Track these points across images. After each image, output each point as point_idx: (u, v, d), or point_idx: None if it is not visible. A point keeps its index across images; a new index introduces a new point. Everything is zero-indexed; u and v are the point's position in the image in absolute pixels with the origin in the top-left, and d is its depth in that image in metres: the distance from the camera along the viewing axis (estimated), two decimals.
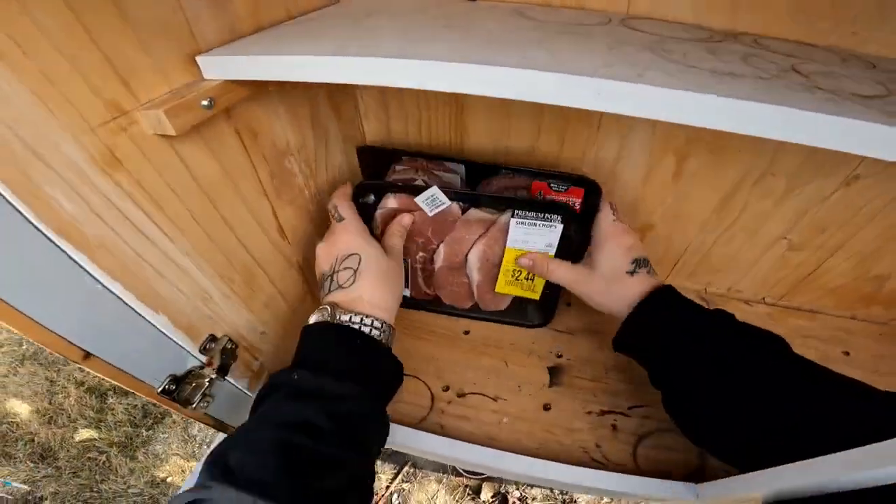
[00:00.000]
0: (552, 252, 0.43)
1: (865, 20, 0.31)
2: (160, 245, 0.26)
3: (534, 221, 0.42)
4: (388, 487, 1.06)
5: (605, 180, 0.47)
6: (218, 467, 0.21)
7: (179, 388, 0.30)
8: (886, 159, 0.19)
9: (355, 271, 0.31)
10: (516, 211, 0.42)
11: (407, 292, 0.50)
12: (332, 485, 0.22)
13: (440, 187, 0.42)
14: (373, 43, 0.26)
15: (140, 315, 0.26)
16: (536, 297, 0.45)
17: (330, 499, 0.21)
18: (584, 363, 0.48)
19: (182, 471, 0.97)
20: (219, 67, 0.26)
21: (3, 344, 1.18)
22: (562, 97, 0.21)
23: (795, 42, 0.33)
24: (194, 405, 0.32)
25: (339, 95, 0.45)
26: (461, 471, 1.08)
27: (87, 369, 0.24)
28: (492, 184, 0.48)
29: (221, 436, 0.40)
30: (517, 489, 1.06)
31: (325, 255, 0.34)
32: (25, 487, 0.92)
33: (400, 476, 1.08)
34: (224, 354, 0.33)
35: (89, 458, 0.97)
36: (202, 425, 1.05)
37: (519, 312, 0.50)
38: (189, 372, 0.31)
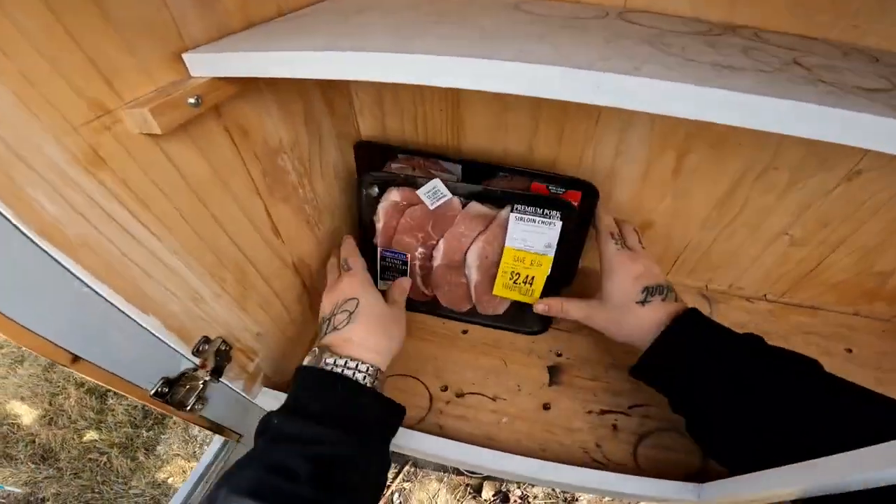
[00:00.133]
0: (551, 253, 0.42)
1: (866, 13, 0.30)
2: (147, 244, 0.26)
3: (533, 217, 0.42)
4: (388, 487, 1.06)
5: (604, 178, 0.46)
6: (209, 501, 0.23)
7: (173, 391, 0.30)
8: (891, 153, 0.18)
9: (351, 314, 0.32)
10: (516, 206, 0.42)
11: None
12: None
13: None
14: (364, 38, 0.25)
15: (128, 316, 0.26)
16: (534, 301, 0.45)
17: None
18: (583, 362, 0.47)
19: (183, 471, 0.97)
20: (206, 65, 0.26)
21: (2, 345, 1.18)
22: (559, 91, 0.21)
23: (796, 35, 0.32)
24: (189, 408, 0.31)
25: (333, 92, 0.44)
26: (462, 470, 1.08)
27: (77, 372, 0.24)
28: (490, 185, 0.47)
29: (217, 441, 0.40)
30: (518, 488, 1.06)
31: (328, 300, 0.35)
32: (19, 490, 0.92)
33: (401, 475, 1.08)
34: (218, 356, 0.33)
35: (90, 459, 0.98)
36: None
37: (517, 317, 0.49)
38: (182, 374, 0.31)
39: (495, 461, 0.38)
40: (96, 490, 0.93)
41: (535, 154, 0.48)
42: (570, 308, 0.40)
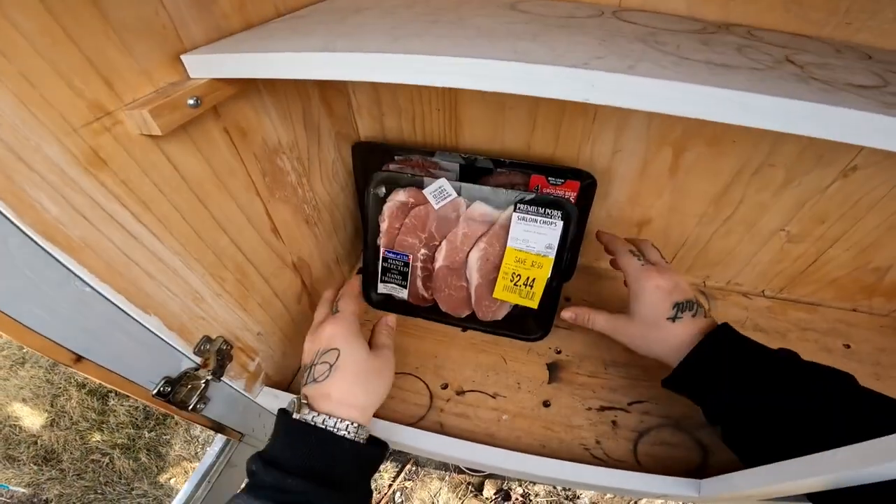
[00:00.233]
0: (552, 255, 0.43)
1: (858, 11, 0.31)
2: (148, 245, 0.26)
3: (535, 217, 0.42)
4: (390, 486, 1.07)
5: (602, 174, 0.47)
6: None
7: (175, 391, 0.30)
8: (884, 148, 0.19)
9: (331, 366, 0.31)
10: (518, 205, 0.42)
11: (405, 295, 0.50)
12: None
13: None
14: (362, 39, 0.25)
15: (130, 316, 0.26)
16: (534, 305, 0.45)
17: None
18: (582, 359, 0.48)
19: (185, 472, 0.98)
20: (204, 66, 0.26)
21: (2, 348, 1.18)
22: (554, 90, 0.21)
23: (789, 33, 0.33)
24: (190, 407, 0.31)
25: (332, 92, 0.44)
26: (463, 468, 1.08)
27: (79, 372, 0.24)
28: (489, 182, 0.48)
29: (219, 440, 0.40)
30: (520, 486, 1.06)
31: (308, 347, 0.34)
32: (24, 490, 0.92)
33: (402, 474, 1.08)
34: (219, 355, 0.33)
35: (93, 460, 0.98)
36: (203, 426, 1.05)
37: (517, 324, 0.49)
38: (184, 374, 0.31)
39: (496, 459, 0.38)
40: (99, 491, 0.94)
41: (532, 152, 0.48)
42: (596, 319, 0.39)
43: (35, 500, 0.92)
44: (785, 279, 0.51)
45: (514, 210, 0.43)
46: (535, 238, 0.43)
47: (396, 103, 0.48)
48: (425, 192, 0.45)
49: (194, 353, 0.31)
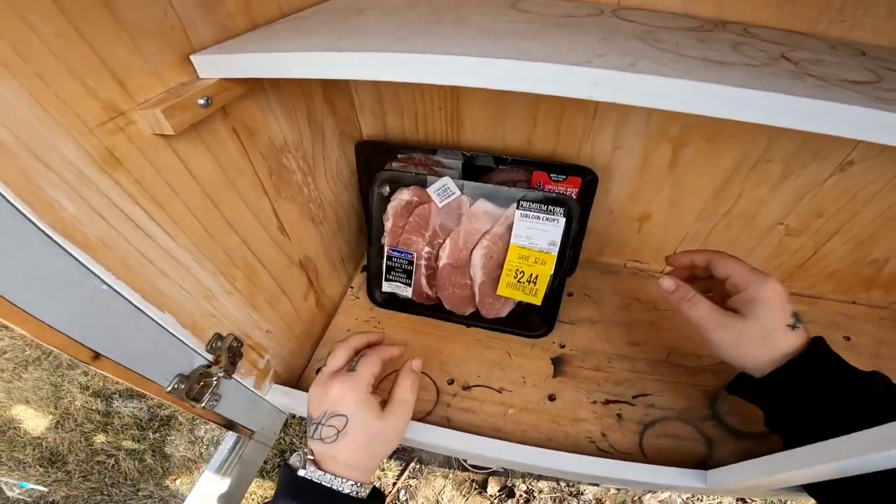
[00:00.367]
0: (555, 251, 0.43)
1: (852, 8, 0.31)
2: (162, 243, 0.27)
3: (538, 214, 0.42)
4: (394, 484, 1.07)
5: (602, 170, 0.47)
6: None
7: (188, 388, 0.31)
8: (878, 142, 0.19)
9: (339, 432, 0.31)
10: (521, 202, 0.43)
11: (409, 293, 0.51)
12: None
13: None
14: (366, 39, 0.26)
15: (145, 314, 0.26)
16: (538, 301, 0.45)
17: None
18: (586, 353, 0.48)
19: (190, 472, 0.98)
20: (214, 66, 0.26)
21: (5, 350, 1.18)
22: (557, 88, 0.22)
23: (783, 30, 0.33)
24: (203, 404, 0.32)
25: (334, 92, 0.45)
26: (467, 465, 1.08)
27: (97, 370, 0.24)
28: (491, 179, 0.48)
29: (230, 437, 0.40)
30: (524, 482, 1.06)
31: (317, 400, 0.33)
32: (43, 489, 0.93)
33: (406, 473, 1.09)
34: (230, 353, 0.34)
35: (98, 461, 0.98)
36: (208, 427, 1.06)
37: (520, 320, 0.49)
38: (197, 371, 0.31)
39: (503, 452, 0.38)
40: (105, 492, 0.94)
41: (533, 148, 0.48)
42: (700, 306, 0.35)
43: (42, 502, 0.93)
44: (784, 272, 0.52)
45: (518, 207, 0.43)
46: (539, 235, 0.44)
47: (398, 102, 0.48)
48: (429, 190, 0.46)
49: (206, 350, 0.32)
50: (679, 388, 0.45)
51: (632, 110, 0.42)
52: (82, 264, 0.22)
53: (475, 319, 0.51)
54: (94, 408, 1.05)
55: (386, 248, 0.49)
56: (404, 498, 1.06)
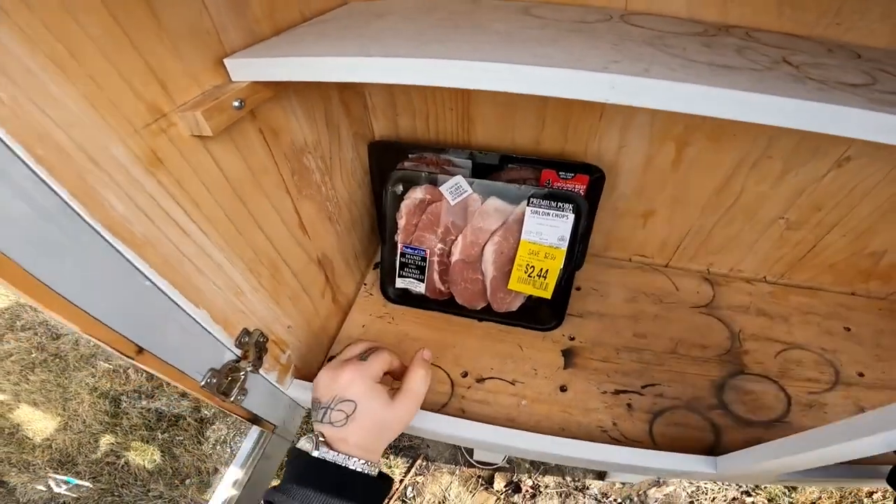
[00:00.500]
0: (564, 246, 0.44)
1: (848, 12, 0.33)
2: (198, 241, 0.28)
3: (548, 211, 0.44)
4: (401, 481, 1.08)
5: (608, 169, 0.49)
6: None
7: (219, 382, 0.32)
8: (874, 141, 0.21)
9: (348, 416, 0.32)
10: (532, 199, 0.44)
11: (422, 289, 0.52)
12: None
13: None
14: (393, 44, 0.27)
15: (183, 310, 0.27)
16: (548, 295, 0.46)
17: None
18: (595, 345, 0.50)
19: (200, 472, 0.99)
20: (246, 69, 0.28)
21: (11, 353, 1.18)
22: (579, 92, 0.23)
23: (783, 34, 0.35)
24: (232, 398, 0.33)
25: (350, 94, 0.46)
26: (473, 461, 1.10)
27: (139, 365, 0.25)
28: (501, 177, 0.50)
29: (254, 432, 0.42)
30: (530, 478, 1.08)
31: (326, 386, 0.34)
32: (88, 484, 0.93)
33: (413, 469, 1.10)
34: (257, 348, 0.35)
35: (108, 462, 0.99)
36: (215, 426, 1.06)
37: (530, 314, 0.51)
38: (226, 365, 0.32)
39: (518, 441, 0.40)
40: (116, 493, 0.95)
41: (542, 148, 0.50)
42: None
43: (60, 501, 0.93)
44: (785, 265, 0.54)
45: (528, 204, 0.45)
46: (548, 231, 0.45)
47: (411, 104, 0.50)
48: (442, 188, 0.47)
49: (235, 345, 0.33)
50: (686, 377, 0.46)
51: (637, 111, 0.44)
52: (129, 262, 0.23)
53: (487, 314, 0.52)
54: (102, 409, 1.06)
55: (399, 246, 0.50)
56: (412, 494, 1.07)
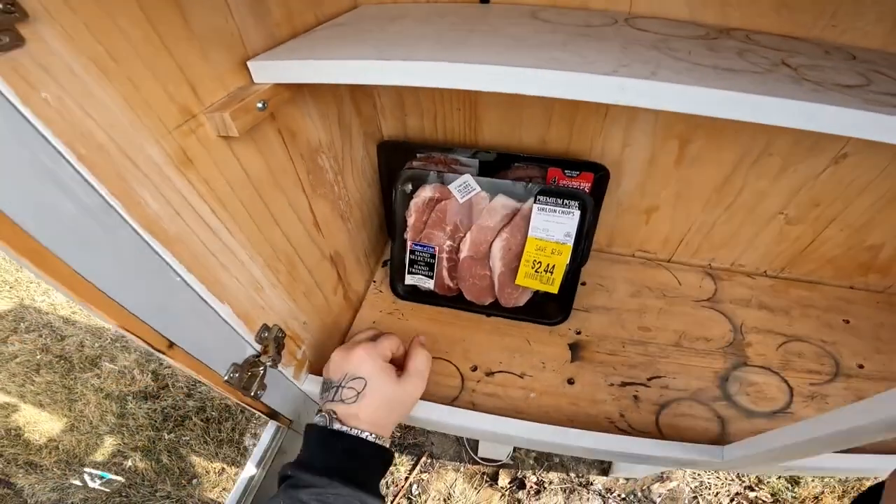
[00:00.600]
0: (570, 242, 0.46)
1: (844, 14, 0.34)
2: (223, 238, 0.29)
3: (554, 208, 0.45)
4: (406, 479, 1.09)
5: (613, 167, 0.50)
6: None
7: (240, 376, 0.33)
8: (867, 139, 0.22)
9: (358, 393, 0.34)
10: (538, 197, 0.45)
11: (431, 285, 0.53)
12: None
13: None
14: (412, 48, 0.28)
15: (209, 305, 0.28)
16: (555, 290, 0.48)
17: None
18: (601, 339, 0.51)
19: (207, 472, 0.99)
20: (268, 72, 0.29)
21: (16, 355, 1.18)
22: (590, 94, 0.24)
23: (781, 36, 0.36)
24: (252, 393, 0.34)
25: (360, 95, 0.47)
26: (477, 459, 1.10)
27: (169, 359, 0.26)
28: (508, 175, 0.51)
29: (270, 427, 0.42)
30: (534, 474, 1.09)
31: (337, 366, 0.36)
32: (120, 479, 0.95)
33: (418, 467, 1.10)
34: (276, 343, 0.36)
35: (115, 463, 0.99)
36: (221, 426, 1.07)
37: (538, 308, 0.52)
38: (248, 360, 0.33)
39: (528, 432, 0.41)
40: (124, 494, 0.95)
41: (548, 146, 0.51)
42: None
43: (69, 502, 0.94)
44: (785, 259, 0.55)
45: (535, 201, 0.46)
46: (555, 227, 0.46)
47: (419, 104, 0.51)
48: (451, 187, 0.48)
49: (255, 340, 0.34)
50: (691, 370, 0.48)
51: (641, 110, 0.45)
52: (161, 258, 0.24)
53: (494, 309, 0.53)
54: (108, 409, 1.06)
55: (409, 243, 0.51)
56: (417, 492, 1.07)
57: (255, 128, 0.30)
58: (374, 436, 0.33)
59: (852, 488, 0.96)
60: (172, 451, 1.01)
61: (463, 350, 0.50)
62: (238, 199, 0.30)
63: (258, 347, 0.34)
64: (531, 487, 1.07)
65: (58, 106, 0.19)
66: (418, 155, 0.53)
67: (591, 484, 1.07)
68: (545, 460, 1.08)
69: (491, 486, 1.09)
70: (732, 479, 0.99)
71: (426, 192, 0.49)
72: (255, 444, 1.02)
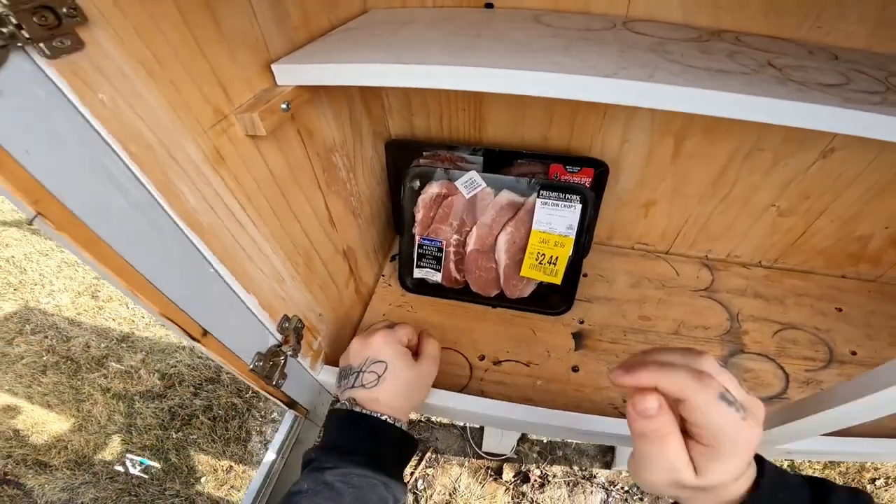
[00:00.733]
0: (572, 234, 0.48)
1: (827, 16, 0.36)
2: (250, 232, 0.30)
3: (556, 202, 0.47)
4: (412, 474, 1.10)
5: (612, 163, 0.52)
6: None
7: (263, 365, 0.34)
8: (847, 134, 0.24)
9: (379, 377, 0.36)
10: (542, 191, 0.47)
11: (438, 278, 0.55)
12: None
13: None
14: (425, 52, 0.30)
15: (237, 295, 0.30)
16: (558, 281, 0.50)
17: None
18: (603, 328, 0.53)
19: (214, 470, 1.00)
20: (291, 74, 0.31)
21: (23, 356, 1.19)
22: (592, 95, 0.26)
23: (770, 37, 0.38)
24: (274, 381, 0.36)
25: (370, 96, 0.49)
26: (482, 453, 1.12)
27: (201, 347, 0.28)
28: (511, 171, 0.53)
29: (288, 417, 0.44)
30: (537, 467, 1.11)
31: (357, 352, 0.38)
32: (157, 465, 0.98)
33: (423, 462, 1.12)
34: (296, 333, 0.37)
35: (123, 462, 1.00)
36: (228, 424, 1.08)
37: (542, 299, 0.54)
38: (270, 350, 0.35)
39: (537, 417, 0.42)
40: (133, 493, 0.96)
41: (549, 144, 0.53)
42: (672, 440, 0.23)
43: (72, 502, 0.94)
44: (779, 250, 0.57)
45: (538, 196, 0.48)
46: (557, 220, 0.48)
47: (426, 104, 0.53)
48: (457, 183, 0.50)
49: (277, 330, 0.36)
50: None
51: (638, 109, 0.47)
52: (198, 250, 0.26)
53: (500, 300, 0.55)
54: (116, 409, 1.07)
55: (417, 238, 0.53)
56: (422, 487, 1.09)
57: (278, 127, 0.32)
58: (393, 419, 0.35)
59: (853, 479, 0.98)
60: (181, 449, 1.02)
61: (471, 340, 0.52)
62: (263, 195, 0.31)
63: (279, 337, 0.36)
64: (535, 481, 1.09)
65: (112, 107, 0.20)
66: (424, 153, 0.55)
67: (595, 477, 1.09)
68: (549, 454, 1.09)
69: (495, 479, 1.11)
70: None
71: (433, 189, 0.51)
72: (262, 443, 1.04)
